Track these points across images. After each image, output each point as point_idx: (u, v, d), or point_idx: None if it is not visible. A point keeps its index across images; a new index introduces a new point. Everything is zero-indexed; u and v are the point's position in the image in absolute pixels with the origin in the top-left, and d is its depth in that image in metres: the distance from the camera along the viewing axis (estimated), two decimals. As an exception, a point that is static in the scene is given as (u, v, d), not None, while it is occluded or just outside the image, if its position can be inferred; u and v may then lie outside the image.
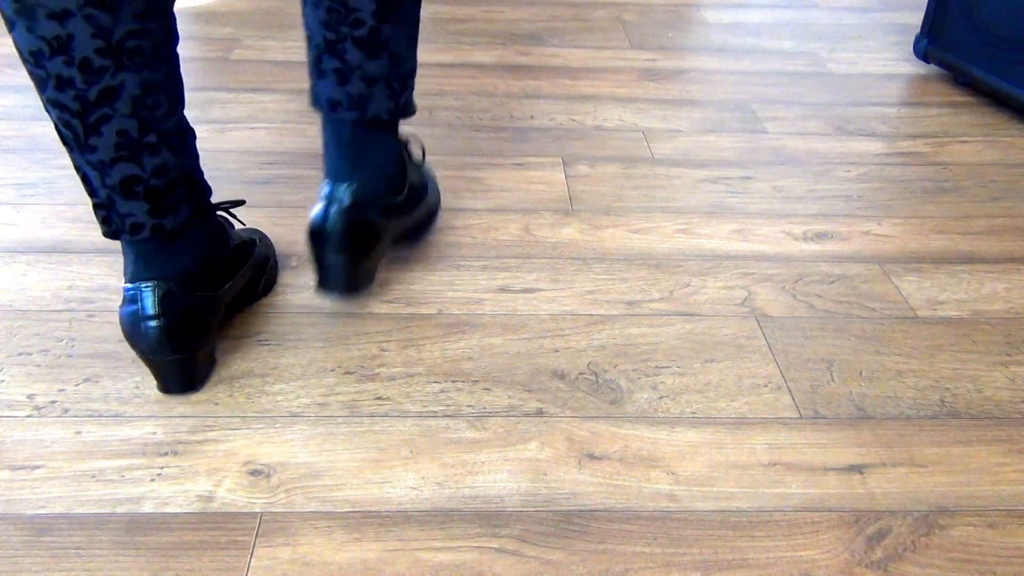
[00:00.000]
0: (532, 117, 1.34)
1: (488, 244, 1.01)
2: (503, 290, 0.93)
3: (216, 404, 0.76)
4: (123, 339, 0.83)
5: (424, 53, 1.59)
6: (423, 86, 1.44)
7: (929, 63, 1.54)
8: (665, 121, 1.34)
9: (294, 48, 1.58)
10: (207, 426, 0.74)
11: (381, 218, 0.83)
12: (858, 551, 0.65)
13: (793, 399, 0.79)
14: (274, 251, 0.94)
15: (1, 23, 1.61)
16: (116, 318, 0.86)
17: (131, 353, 0.82)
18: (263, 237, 0.92)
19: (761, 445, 0.74)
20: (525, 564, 0.63)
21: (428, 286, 0.93)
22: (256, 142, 1.23)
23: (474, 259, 0.98)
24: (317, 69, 0.80)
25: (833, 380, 0.82)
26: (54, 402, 0.76)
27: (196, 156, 0.76)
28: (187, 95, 1.36)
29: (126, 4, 0.65)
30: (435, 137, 1.27)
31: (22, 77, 1.42)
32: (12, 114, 1.28)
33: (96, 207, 0.72)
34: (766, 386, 0.81)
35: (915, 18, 1.87)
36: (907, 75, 1.56)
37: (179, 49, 1.54)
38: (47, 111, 0.68)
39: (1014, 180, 1.20)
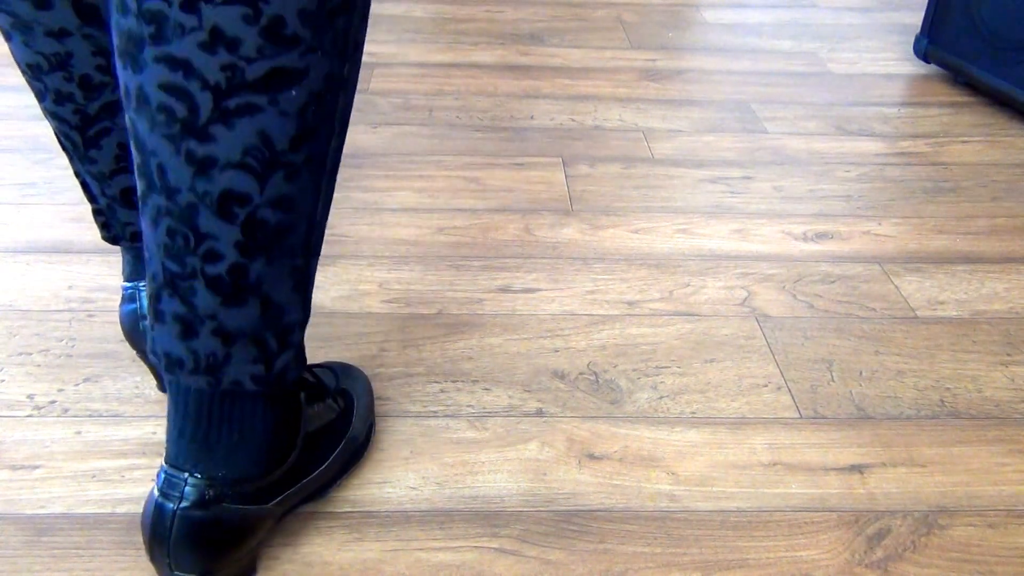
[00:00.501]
0: (532, 117, 1.34)
1: (488, 244, 1.01)
2: (503, 290, 0.93)
3: (216, 404, 0.76)
4: (123, 338, 0.83)
5: (424, 53, 1.59)
6: (423, 86, 1.44)
7: (929, 63, 1.54)
8: (665, 121, 1.34)
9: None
10: (207, 426, 0.74)
11: (246, 509, 0.58)
12: (858, 551, 0.65)
13: (793, 399, 0.79)
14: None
15: None
16: (116, 318, 0.86)
17: (131, 353, 0.81)
18: None
19: (761, 445, 0.74)
20: (525, 564, 0.63)
21: (428, 286, 0.93)
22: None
23: (474, 259, 0.98)
24: (153, 309, 0.54)
25: (833, 380, 0.82)
26: (54, 402, 0.76)
27: None
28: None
29: None
30: (435, 137, 1.27)
31: (22, 77, 1.42)
32: (12, 114, 1.28)
33: (96, 212, 0.72)
34: (766, 386, 0.81)
35: (915, 18, 1.87)
36: (907, 75, 1.56)
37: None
38: (47, 118, 0.67)
39: (1014, 180, 1.20)
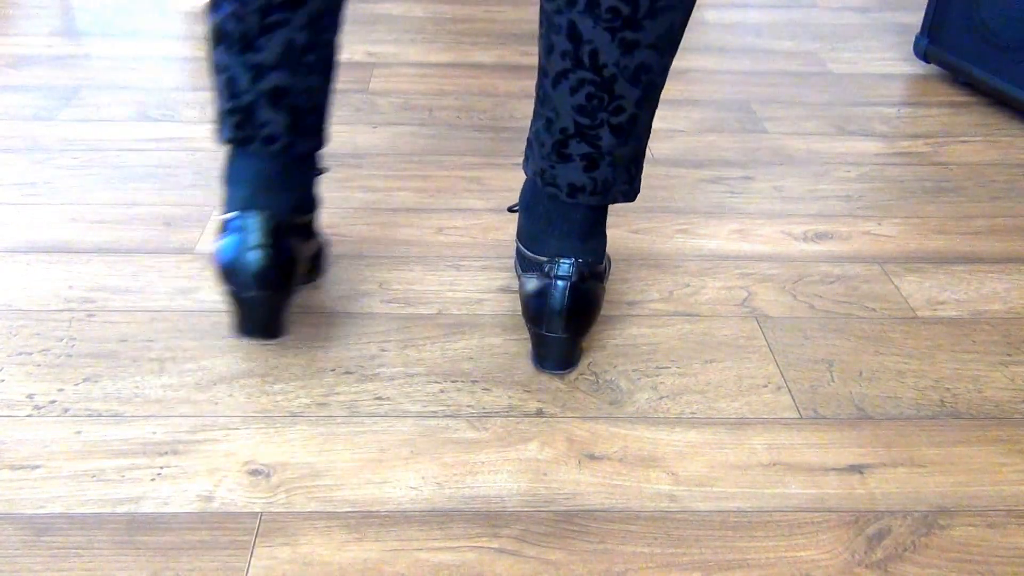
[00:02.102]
0: (532, 117, 1.34)
1: (488, 244, 1.01)
2: (503, 290, 0.93)
3: (216, 404, 0.76)
4: (122, 339, 0.83)
5: (424, 53, 1.59)
6: (423, 86, 1.44)
7: (929, 63, 1.54)
8: (665, 121, 1.34)
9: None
10: (207, 426, 0.74)
11: (601, 287, 0.78)
12: (858, 551, 0.65)
13: (793, 399, 0.79)
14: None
15: None
16: (116, 317, 0.86)
17: (131, 352, 0.82)
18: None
19: (761, 445, 0.74)
20: (525, 564, 0.63)
21: (428, 286, 0.93)
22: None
23: (474, 259, 0.98)
24: (559, 153, 0.74)
25: (833, 380, 0.82)
26: (54, 402, 0.76)
27: (331, 99, 0.78)
28: (189, 96, 1.36)
29: None
30: (435, 137, 1.27)
31: (22, 77, 1.42)
32: (12, 114, 1.28)
33: (230, 112, 0.72)
34: (766, 386, 0.81)
35: (915, 18, 1.87)
36: (907, 75, 1.56)
37: (180, 50, 1.54)
38: (215, 7, 0.68)
39: (1014, 180, 1.20)
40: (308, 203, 0.79)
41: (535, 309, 0.77)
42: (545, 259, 0.77)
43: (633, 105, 0.71)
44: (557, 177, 0.75)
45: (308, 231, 0.80)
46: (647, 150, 1.24)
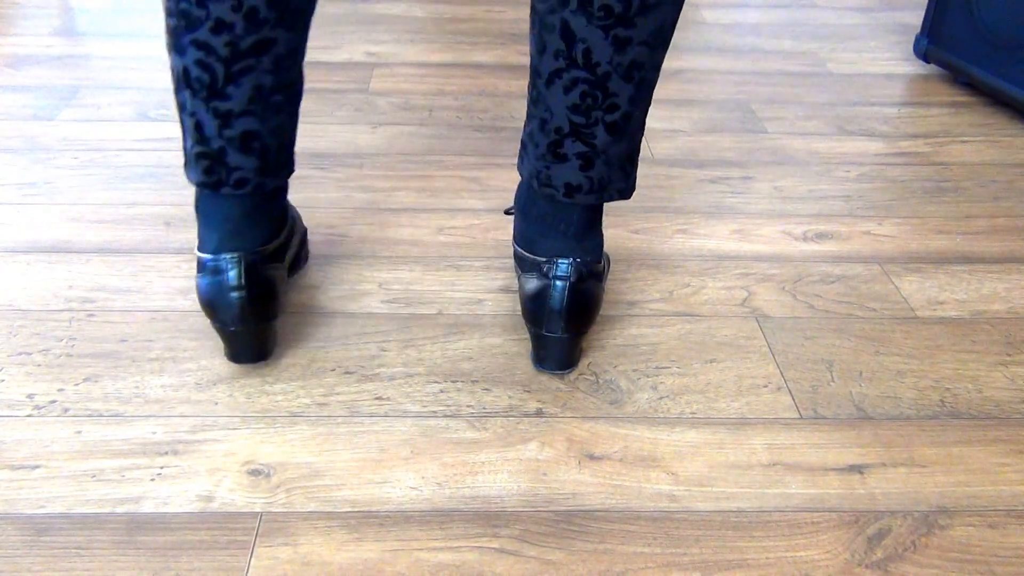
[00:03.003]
0: (532, 117, 1.34)
1: (488, 244, 1.01)
2: (503, 290, 0.93)
3: (216, 404, 0.76)
4: (123, 338, 0.83)
5: (424, 53, 1.59)
6: (423, 86, 1.44)
7: (929, 63, 1.54)
8: (665, 121, 1.34)
9: (294, 48, 1.58)
10: (207, 426, 0.74)
11: (599, 286, 0.78)
12: (858, 551, 0.65)
13: (793, 399, 0.79)
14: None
15: None
16: (116, 317, 0.86)
17: (131, 352, 0.82)
18: (293, 207, 0.92)
19: (761, 445, 0.74)
20: (525, 564, 0.63)
21: (428, 286, 0.93)
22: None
23: (474, 259, 0.98)
24: (554, 154, 0.74)
25: (833, 380, 0.82)
26: (54, 402, 0.76)
27: (297, 122, 0.78)
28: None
29: None
30: (435, 137, 1.27)
31: (22, 77, 1.42)
32: (12, 114, 1.28)
33: (199, 156, 0.72)
34: (766, 386, 0.81)
35: (915, 18, 1.87)
36: (907, 75, 1.56)
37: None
38: (180, 52, 0.67)
39: (1014, 180, 1.20)
40: (281, 223, 0.79)
41: (534, 310, 0.77)
42: (543, 260, 0.77)
43: (627, 102, 0.71)
44: (553, 177, 0.75)
45: (283, 249, 0.80)
46: (646, 148, 1.24)
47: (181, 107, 0.71)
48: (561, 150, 0.73)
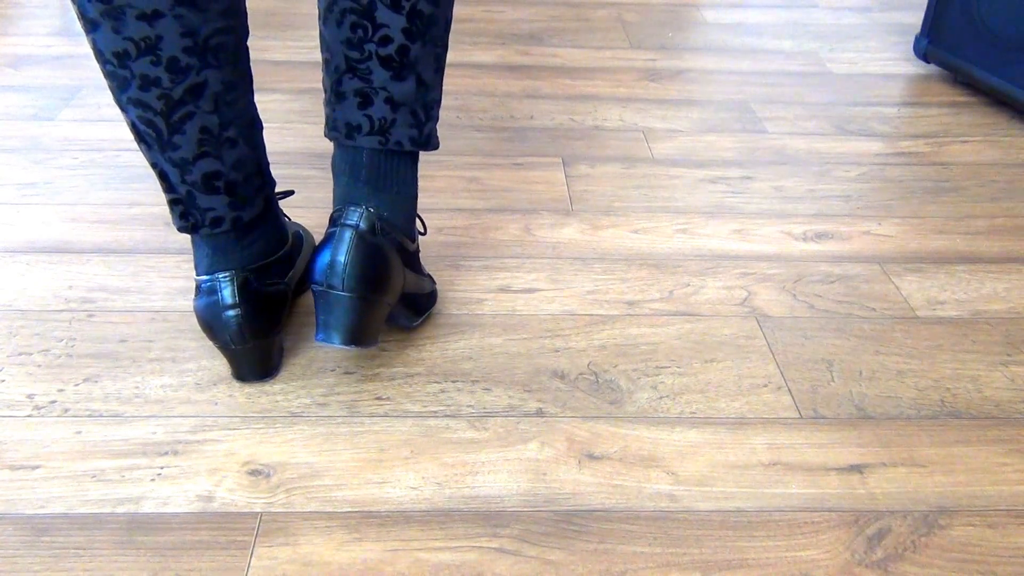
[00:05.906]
0: (532, 117, 1.34)
1: (488, 244, 1.01)
2: (503, 290, 0.93)
3: (216, 404, 0.76)
4: (120, 340, 0.83)
5: (424, 53, 1.58)
6: (423, 86, 1.44)
7: (929, 63, 1.54)
8: (665, 121, 1.34)
9: (294, 48, 1.58)
10: (207, 426, 0.74)
11: (398, 256, 0.74)
12: (858, 551, 0.65)
13: (793, 399, 0.79)
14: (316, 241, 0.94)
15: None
16: (116, 317, 0.86)
17: (131, 352, 0.82)
18: (305, 229, 0.92)
19: (761, 445, 0.74)
20: (525, 564, 0.63)
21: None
22: (256, 142, 1.23)
23: (474, 259, 0.98)
24: (335, 93, 0.73)
25: (833, 380, 0.82)
26: (54, 402, 0.76)
27: (264, 148, 0.77)
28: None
29: (213, 2, 0.65)
30: (435, 137, 1.27)
31: (22, 77, 1.42)
32: (12, 114, 1.28)
33: (173, 203, 0.72)
34: (766, 386, 0.81)
35: (915, 18, 1.87)
36: (907, 75, 1.56)
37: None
38: (124, 110, 0.67)
39: (1014, 180, 1.20)
40: (276, 239, 0.79)
41: (318, 260, 0.71)
42: (336, 208, 0.73)
43: (401, 35, 0.69)
44: (336, 119, 0.74)
45: (283, 265, 0.80)
46: (646, 147, 1.24)
47: (145, 158, 0.72)
48: (341, 88, 0.72)
